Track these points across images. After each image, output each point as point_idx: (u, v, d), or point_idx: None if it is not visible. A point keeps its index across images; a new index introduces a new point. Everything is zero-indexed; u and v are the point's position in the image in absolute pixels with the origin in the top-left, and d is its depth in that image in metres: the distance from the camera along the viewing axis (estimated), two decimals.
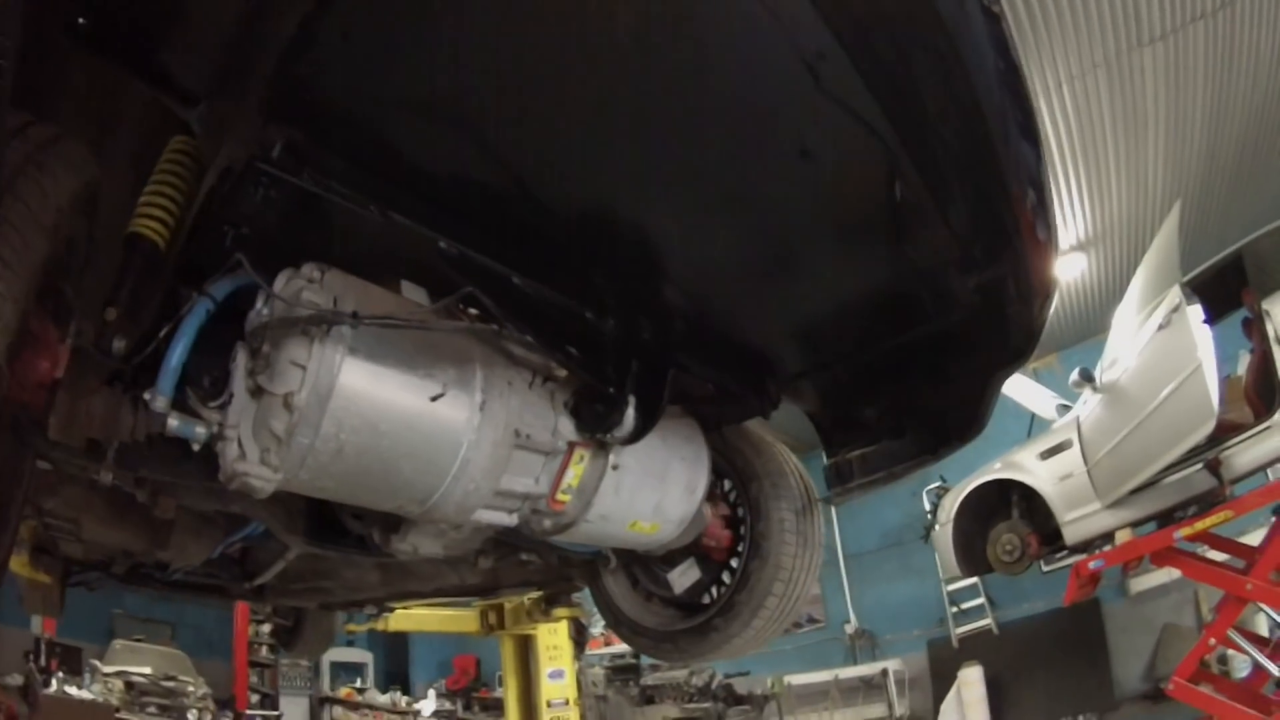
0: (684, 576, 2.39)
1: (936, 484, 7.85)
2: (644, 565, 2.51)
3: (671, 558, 2.39)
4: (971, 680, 9.02)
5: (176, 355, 1.35)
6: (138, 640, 10.33)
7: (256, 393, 1.36)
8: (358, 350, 1.37)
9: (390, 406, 1.40)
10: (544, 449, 1.72)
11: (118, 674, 9.26)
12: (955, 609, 10.39)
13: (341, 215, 1.39)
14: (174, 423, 1.34)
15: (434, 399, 1.46)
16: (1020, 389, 7.19)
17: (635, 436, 1.78)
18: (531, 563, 2.64)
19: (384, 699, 12.76)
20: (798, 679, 10.78)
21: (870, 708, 10.37)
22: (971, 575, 7.90)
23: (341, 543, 1.98)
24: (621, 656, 12.47)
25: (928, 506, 8.41)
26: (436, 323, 1.51)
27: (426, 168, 1.48)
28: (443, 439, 1.49)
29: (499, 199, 1.56)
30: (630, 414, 1.74)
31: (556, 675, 7.31)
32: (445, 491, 1.55)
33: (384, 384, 1.40)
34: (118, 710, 8.21)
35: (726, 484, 2.42)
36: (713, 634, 2.29)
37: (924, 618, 10.85)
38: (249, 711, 11.61)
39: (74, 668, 8.93)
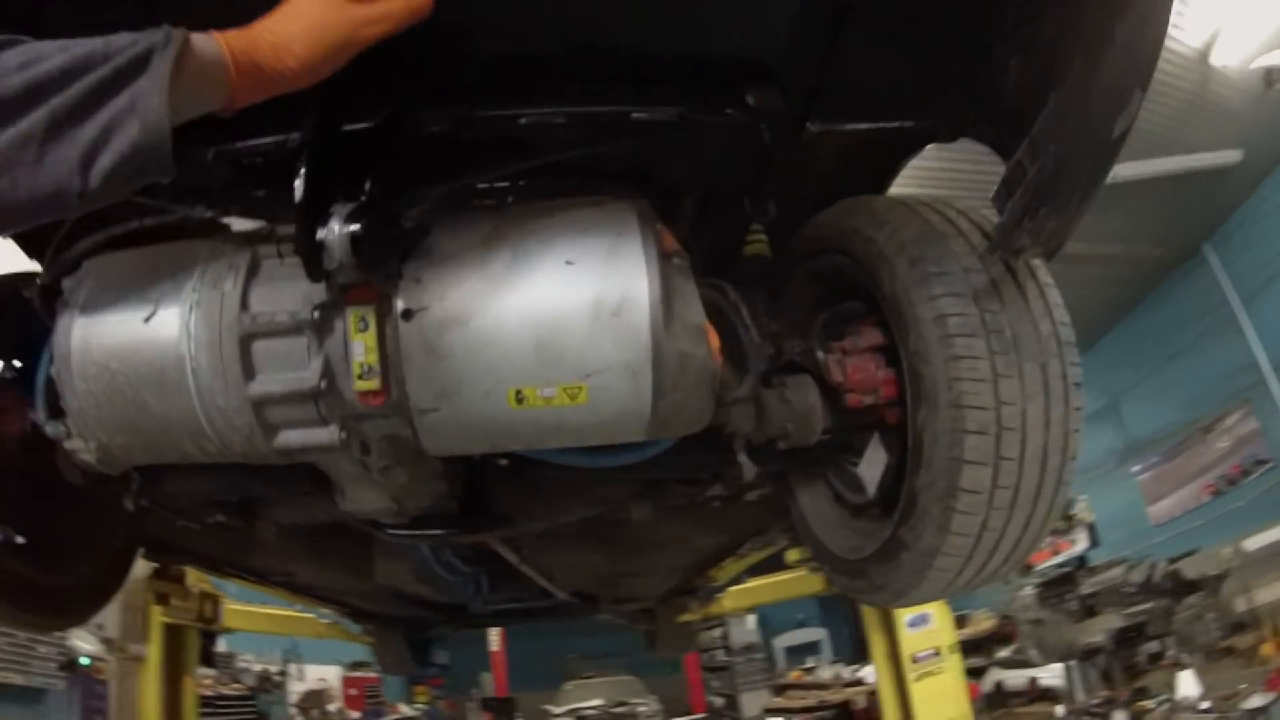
0: (871, 466, 1.59)
1: None
2: (838, 467, 1.76)
3: (854, 444, 1.65)
4: None
5: (39, 374, 1.50)
6: (587, 677, 11.86)
7: None
8: (87, 306, 1.42)
9: (112, 344, 1.41)
10: (287, 328, 1.36)
11: (568, 712, 10.73)
12: None
13: None
14: (48, 428, 1.48)
15: (147, 320, 1.40)
16: None
17: (372, 252, 1.25)
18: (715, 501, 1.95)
19: (828, 674, 12.65)
20: (1253, 542, 8.00)
21: None
22: None
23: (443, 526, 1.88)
24: (1063, 566, 10.58)
25: None
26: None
27: None
28: (164, 356, 1.39)
29: None
30: (335, 228, 1.23)
31: (919, 623, 6.25)
32: (207, 417, 1.39)
33: (104, 326, 1.42)
34: None
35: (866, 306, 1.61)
36: (903, 554, 1.45)
37: None
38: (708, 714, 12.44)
39: (508, 714, 10.57)
